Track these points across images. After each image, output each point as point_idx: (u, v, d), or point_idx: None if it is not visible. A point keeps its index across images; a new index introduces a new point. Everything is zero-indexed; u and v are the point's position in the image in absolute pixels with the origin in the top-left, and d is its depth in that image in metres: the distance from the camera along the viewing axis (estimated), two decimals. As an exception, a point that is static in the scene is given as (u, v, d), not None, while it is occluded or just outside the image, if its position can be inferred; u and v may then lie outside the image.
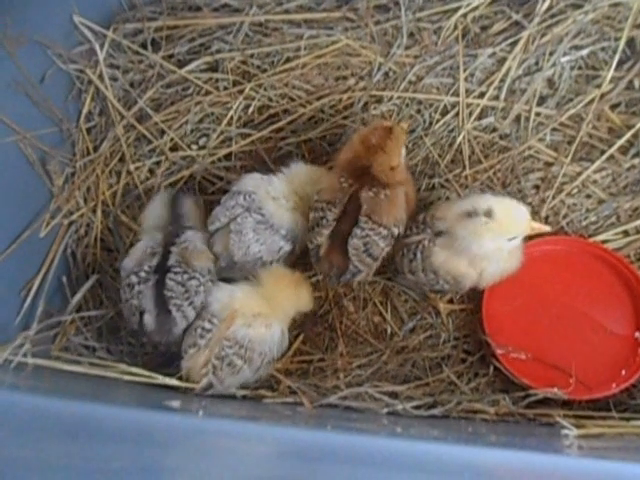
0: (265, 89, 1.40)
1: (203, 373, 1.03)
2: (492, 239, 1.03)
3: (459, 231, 1.05)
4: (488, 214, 1.02)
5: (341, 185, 1.11)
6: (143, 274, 1.07)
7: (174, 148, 1.40)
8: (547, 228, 1.11)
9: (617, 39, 1.37)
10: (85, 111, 1.40)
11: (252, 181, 1.17)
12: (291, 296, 1.10)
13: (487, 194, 1.09)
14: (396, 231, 1.11)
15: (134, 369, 1.04)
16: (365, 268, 1.12)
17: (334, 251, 1.10)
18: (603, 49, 1.39)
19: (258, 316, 1.05)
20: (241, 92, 1.40)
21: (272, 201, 1.14)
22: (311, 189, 1.15)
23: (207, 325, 1.04)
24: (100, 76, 1.39)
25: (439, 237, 1.09)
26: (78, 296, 1.25)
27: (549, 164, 1.33)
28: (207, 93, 1.41)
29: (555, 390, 1.07)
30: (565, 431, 0.93)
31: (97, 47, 1.39)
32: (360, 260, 1.10)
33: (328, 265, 1.11)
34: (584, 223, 1.28)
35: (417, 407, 1.07)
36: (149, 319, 1.06)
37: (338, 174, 1.13)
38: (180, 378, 1.06)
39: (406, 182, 1.15)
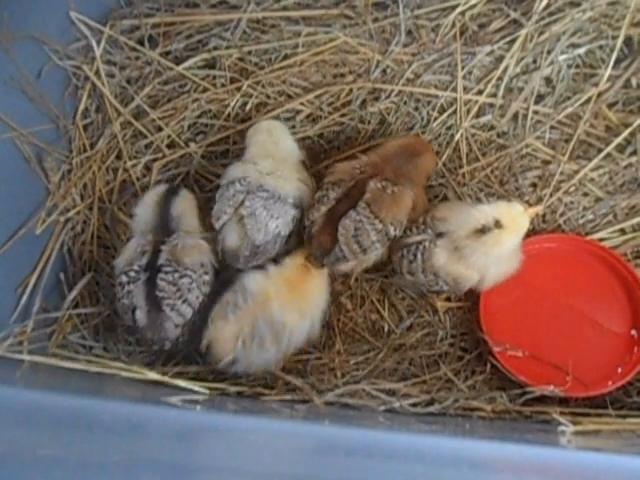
0: (263, 86, 1.40)
1: (230, 347, 1.02)
2: (509, 244, 1.07)
3: (479, 247, 1.05)
4: (498, 225, 1.04)
5: (352, 170, 1.13)
6: (133, 273, 1.07)
7: (171, 145, 1.39)
8: (540, 207, 1.12)
9: (614, 37, 1.37)
10: (82, 108, 1.39)
11: (239, 168, 1.16)
12: (320, 284, 1.12)
13: (479, 205, 1.09)
14: (392, 231, 1.11)
15: (132, 367, 1.04)
16: (350, 256, 1.11)
17: (325, 231, 1.11)
18: (601, 47, 1.39)
19: (294, 303, 1.05)
20: (239, 89, 1.39)
21: (268, 176, 1.14)
22: (279, 147, 1.17)
23: (240, 301, 1.04)
24: (97, 72, 1.39)
25: (440, 238, 1.09)
26: (74, 293, 1.24)
27: (546, 162, 1.33)
28: (204, 90, 1.41)
29: (552, 388, 1.07)
30: (562, 427, 0.94)
31: (94, 43, 1.38)
32: (347, 244, 1.09)
33: (317, 244, 1.12)
34: (581, 221, 1.28)
35: (414, 405, 1.08)
36: (140, 315, 1.06)
37: (355, 162, 1.15)
38: (179, 375, 1.06)
39: (421, 191, 1.17)
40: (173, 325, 1.07)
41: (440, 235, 1.09)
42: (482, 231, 1.05)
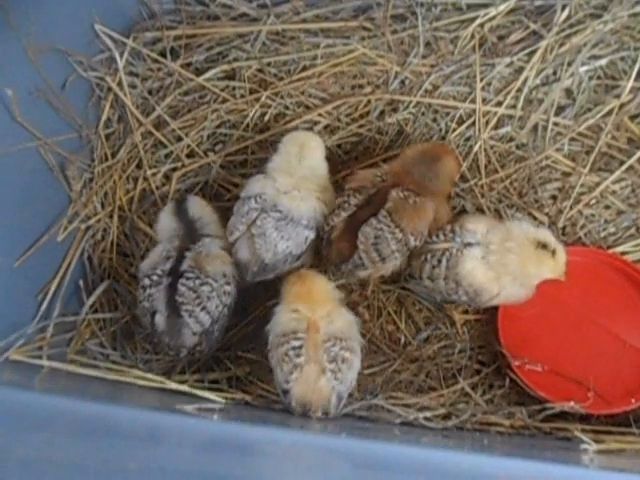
0: (281, 97, 1.41)
1: (326, 386, 0.98)
2: (542, 273, 1.08)
3: (523, 252, 1.07)
4: (553, 253, 1.07)
5: (374, 178, 1.13)
6: (155, 277, 1.08)
7: (190, 155, 1.41)
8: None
9: (636, 49, 1.35)
10: (104, 118, 1.42)
11: (258, 183, 1.16)
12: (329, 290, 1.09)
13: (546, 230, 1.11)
14: (412, 241, 1.11)
15: (149, 375, 1.05)
16: (369, 264, 1.10)
17: (345, 237, 1.11)
18: (622, 59, 1.37)
19: (331, 307, 1.03)
20: (257, 100, 1.41)
21: (284, 195, 1.13)
22: (308, 161, 1.16)
23: (295, 343, 0.99)
24: (119, 83, 1.41)
25: (468, 247, 1.08)
26: (92, 299, 1.26)
27: (567, 174, 1.32)
28: (224, 101, 1.42)
29: (572, 404, 1.05)
30: (584, 446, 0.91)
31: (117, 55, 1.41)
32: (366, 251, 1.09)
33: (336, 251, 1.11)
34: (602, 234, 1.26)
35: (430, 418, 1.06)
36: (160, 319, 1.07)
37: (377, 170, 1.15)
38: (190, 385, 1.06)
39: (443, 202, 1.16)
40: (191, 333, 1.07)
41: (468, 245, 1.08)
42: (543, 246, 1.06)
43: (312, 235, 1.14)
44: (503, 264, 1.07)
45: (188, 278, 1.07)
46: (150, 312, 1.08)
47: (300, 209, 1.13)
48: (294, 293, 1.05)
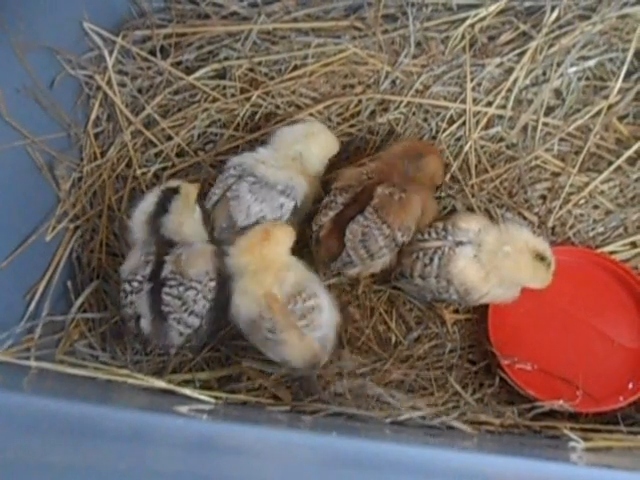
0: (272, 96, 1.41)
1: (308, 342, 1.00)
2: (532, 282, 1.10)
3: (520, 260, 1.07)
4: (549, 266, 1.09)
5: (360, 176, 1.14)
6: (136, 284, 1.06)
7: (180, 154, 1.40)
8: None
9: (625, 50, 1.37)
10: (93, 116, 1.41)
11: (239, 156, 1.20)
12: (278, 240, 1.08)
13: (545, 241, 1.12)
14: (399, 237, 1.11)
15: (138, 375, 1.04)
16: (358, 261, 1.11)
17: (333, 235, 1.11)
18: (611, 60, 1.39)
19: (277, 267, 1.04)
20: (248, 99, 1.40)
21: (262, 164, 1.16)
22: (301, 146, 1.19)
23: (267, 325, 1.00)
24: (109, 82, 1.40)
25: (460, 246, 1.09)
26: (80, 299, 1.25)
27: (556, 174, 1.33)
28: (214, 100, 1.42)
29: (561, 402, 1.06)
30: (573, 443, 0.92)
31: (106, 53, 1.40)
32: (354, 249, 1.09)
33: (324, 249, 1.12)
34: (591, 234, 1.27)
35: (421, 417, 1.06)
36: (145, 323, 1.06)
37: (363, 168, 1.16)
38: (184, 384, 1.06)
39: (429, 195, 1.16)
40: (178, 334, 1.07)
41: (460, 243, 1.09)
42: (540, 257, 1.08)
43: (289, 204, 1.15)
44: (495, 265, 1.08)
45: (171, 286, 1.05)
46: (134, 318, 1.07)
47: (276, 175, 1.15)
48: (247, 243, 1.05)
